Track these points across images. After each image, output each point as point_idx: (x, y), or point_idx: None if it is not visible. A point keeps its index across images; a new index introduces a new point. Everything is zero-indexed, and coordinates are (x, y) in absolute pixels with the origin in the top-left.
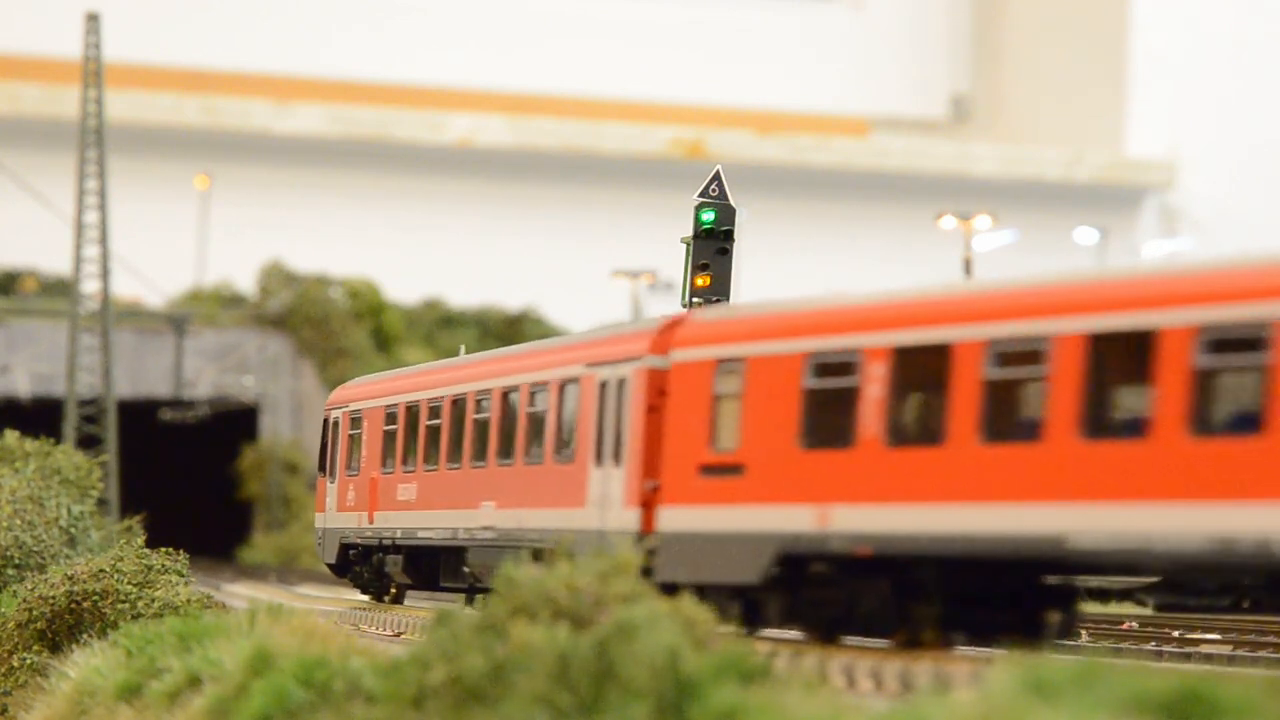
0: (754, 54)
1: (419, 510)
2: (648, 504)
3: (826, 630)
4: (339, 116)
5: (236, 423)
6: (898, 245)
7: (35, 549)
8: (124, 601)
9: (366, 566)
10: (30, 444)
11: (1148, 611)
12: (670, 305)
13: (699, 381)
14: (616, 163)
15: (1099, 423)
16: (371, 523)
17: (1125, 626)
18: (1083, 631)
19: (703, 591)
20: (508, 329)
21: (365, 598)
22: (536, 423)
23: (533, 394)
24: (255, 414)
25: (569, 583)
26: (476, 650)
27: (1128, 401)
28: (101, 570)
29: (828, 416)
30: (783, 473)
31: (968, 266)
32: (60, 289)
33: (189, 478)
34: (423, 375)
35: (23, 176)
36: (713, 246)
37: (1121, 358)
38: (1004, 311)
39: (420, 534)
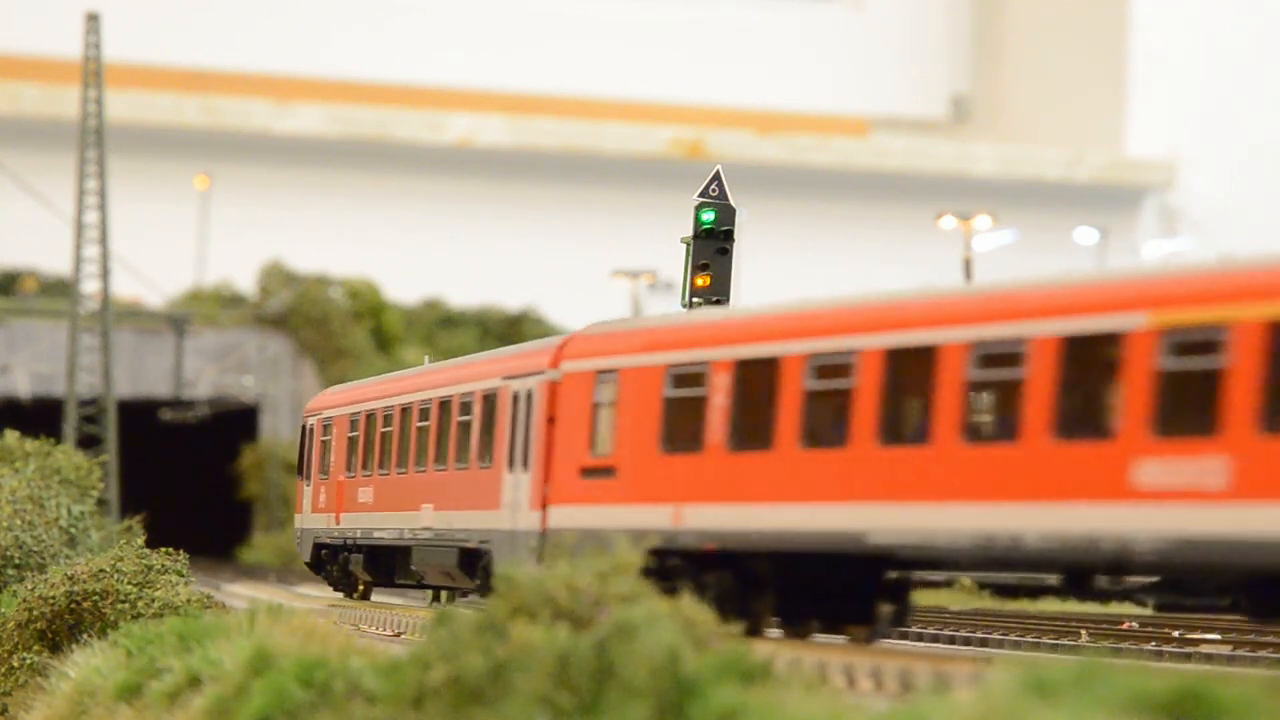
0: (754, 54)
1: (375, 512)
2: (547, 505)
3: None
4: (339, 116)
5: (236, 423)
6: (898, 245)
7: (35, 549)
8: (124, 601)
9: (335, 564)
10: (30, 444)
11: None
12: (671, 305)
13: (581, 391)
14: (616, 163)
15: (893, 430)
16: (338, 523)
17: (1125, 626)
18: (1083, 631)
19: None
20: (508, 329)
21: (339, 594)
22: (465, 431)
23: (462, 404)
24: (255, 414)
25: (569, 583)
26: (476, 650)
27: (916, 411)
28: (101, 570)
29: (683, 423)
30: (646, 475)
31: (968, 266)
32: (60, 289)
33: (189, 478)
34: (381, 385)
35: (23, 176)
36: (713, 246)
37: (912, 371)
38: (821, 329)
39: (376, 534)
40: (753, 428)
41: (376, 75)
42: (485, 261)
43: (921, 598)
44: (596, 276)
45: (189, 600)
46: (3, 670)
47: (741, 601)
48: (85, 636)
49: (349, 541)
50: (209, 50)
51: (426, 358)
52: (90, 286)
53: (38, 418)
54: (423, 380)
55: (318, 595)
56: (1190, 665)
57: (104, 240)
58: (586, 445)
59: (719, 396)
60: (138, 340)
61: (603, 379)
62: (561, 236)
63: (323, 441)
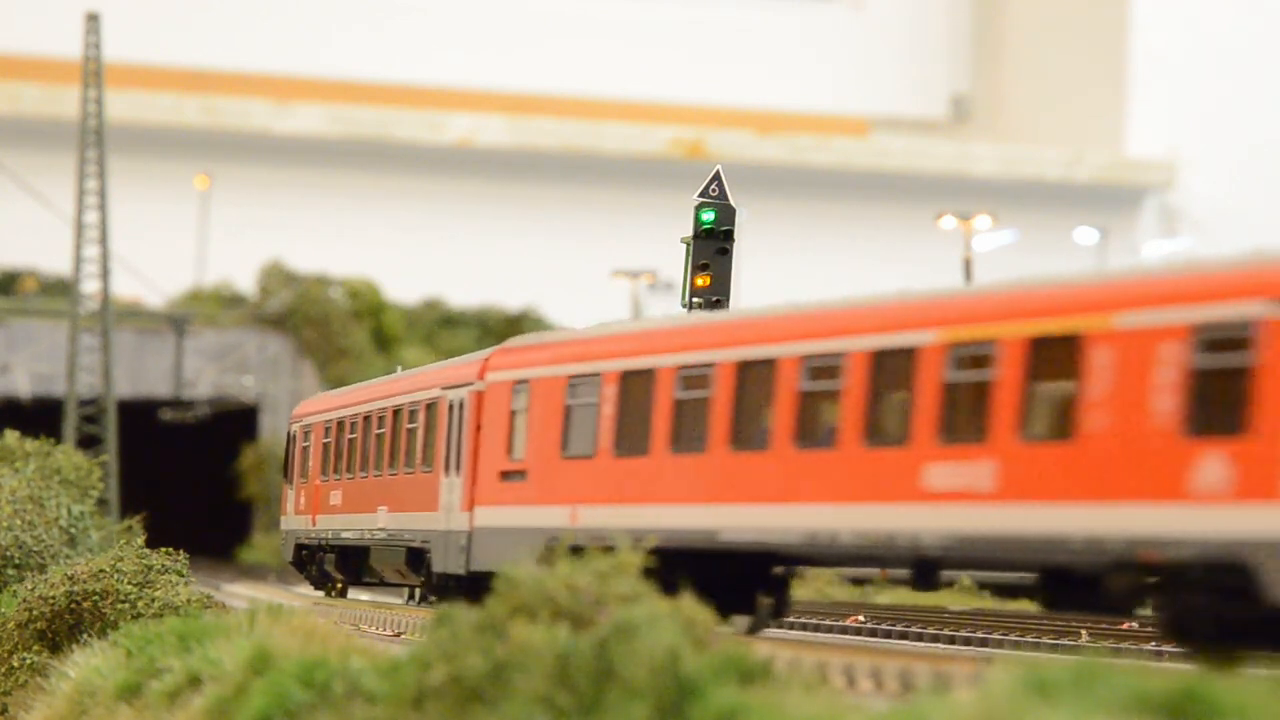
0: (754, 54)
1: (343, 514)
2: (474, 507)
3: None
4: (339, 116)
5: (236, 423)
6: (898, 245)
7: (35, 549)
8: (124, 601)
9: (313, 564)
10: (30, 444)
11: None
12: (671, 305)
13: (502, 401)
14: (616, 163)
15: (741, 437)
16: (314, 525)
17: (1125, 626)
18: (1083, 632)
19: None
20: (508, 329)
21: (319, 592)
22: (412, 438)
23: (410, 413)
24: (255, 414)
25: (569, 583)
26: (476, 650)
27: (759, 420)
28: (101, 570)
29: (580, 431)
30: (550, 478)
31: (968, 266)
32: (60, 289)
33: (189, 478)
34: (349, 394)
35: (23, 176)
36: (713, 246)
37: (757, 383)
38: (688, 345)
39: (343, 535)
40: (634, 435)
41: (376, 75)
42: (485, 261)
43: (922, 598)
44: (596, 276)
45: (189, 600)
46: (3, 670)
47: None
48: (85, 636)
49: (322, 542)
50: (209, 50)
51: (399, 368)
52: (90, 286)
53: (38, 418)
54: (381, 390)
55: (313, 595)
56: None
57: (104, 240)
58: (505, 451)
59: (607, 406)
60: (138, 340)
61: (518, 389)
62: (561, 236)
63: (303, 447)
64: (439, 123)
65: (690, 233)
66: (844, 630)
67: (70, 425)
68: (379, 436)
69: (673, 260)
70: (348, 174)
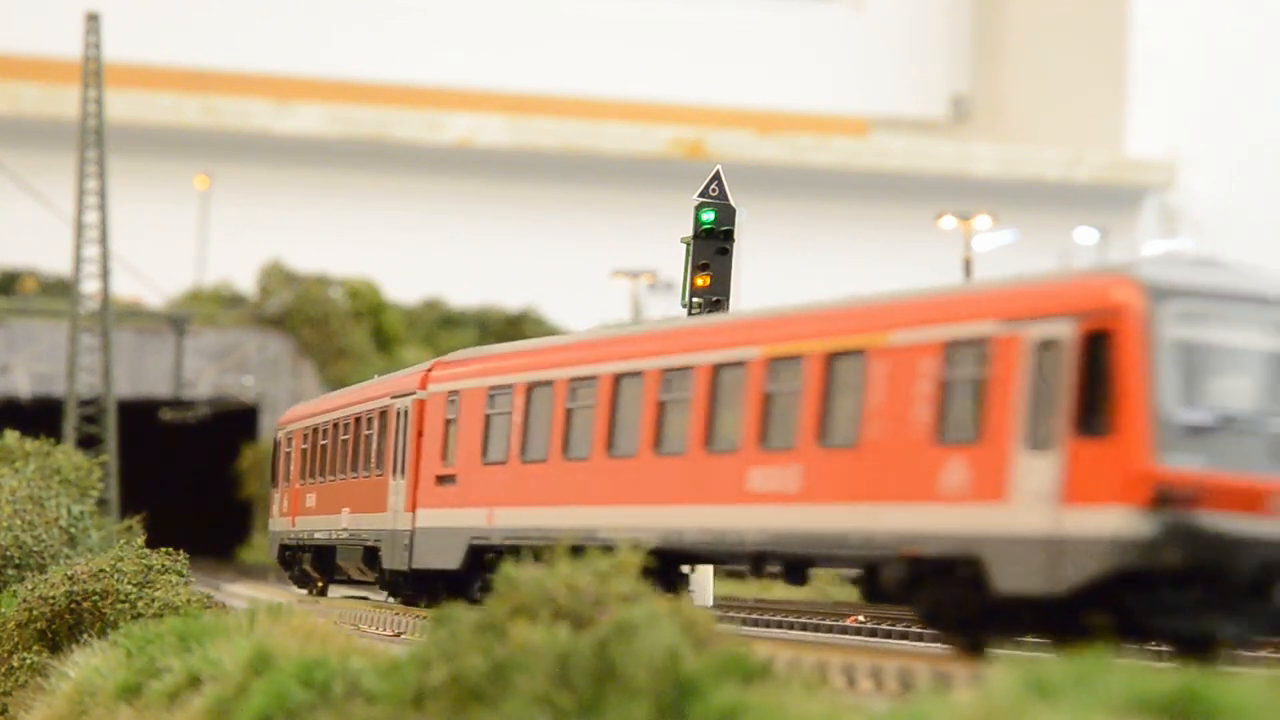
0: (754, 54)
1: (315, 515)
2: (416, 508)
3: None
4: (339, 116)
5: (236, 423)
6: (898, 245)
7: (35, 549)
8: (124, 601)
9: (295, 564)
10: (30, 444)
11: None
12: (671, 305)
13: (439, 410)
14: (616, 163)
15: (614, 445)
16: (294, 526)
17: None
18: None
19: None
20: (508, 329)
21: (303, 590)
22: (368, 443)
23: (368, 420)
24: (255, 414)
25: (569, 583)
26: (476, 650)
27: (629, 428)
28: (101, 570)
29: (496, 438)
30: (474, 482)
31: (968, 266)
32: (60, 289)
33: (189, 478)
34: (324, 402)
35: (23, 176)
36: (713, 246)
37: (628, 395)
38: (579, 359)
39: (315, 535)
40: (536, 443)
41: (376, 75)
42: (485, 261)
43: None
44: (596, 276)
45: (189, 600)
46: (3, 670)
47: None
48: (85, 636)
49: (300, 542)
50: (209, 50)
51: (376, 375)
52: (90, 286)
53: (38, 418)
54: (348, 398)
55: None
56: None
57: (104, 240)
58: (440, 456)
59: (517, 415)
60: (138, 340)
61: (451, 399)
62: (561, 236)
63: (285, 453)
64: (439, 123)
65: (690, 233)
66: (844, 630)
67: (70, 425)
68: (344, 442)
69: (673, 260)
70: (348, 174)
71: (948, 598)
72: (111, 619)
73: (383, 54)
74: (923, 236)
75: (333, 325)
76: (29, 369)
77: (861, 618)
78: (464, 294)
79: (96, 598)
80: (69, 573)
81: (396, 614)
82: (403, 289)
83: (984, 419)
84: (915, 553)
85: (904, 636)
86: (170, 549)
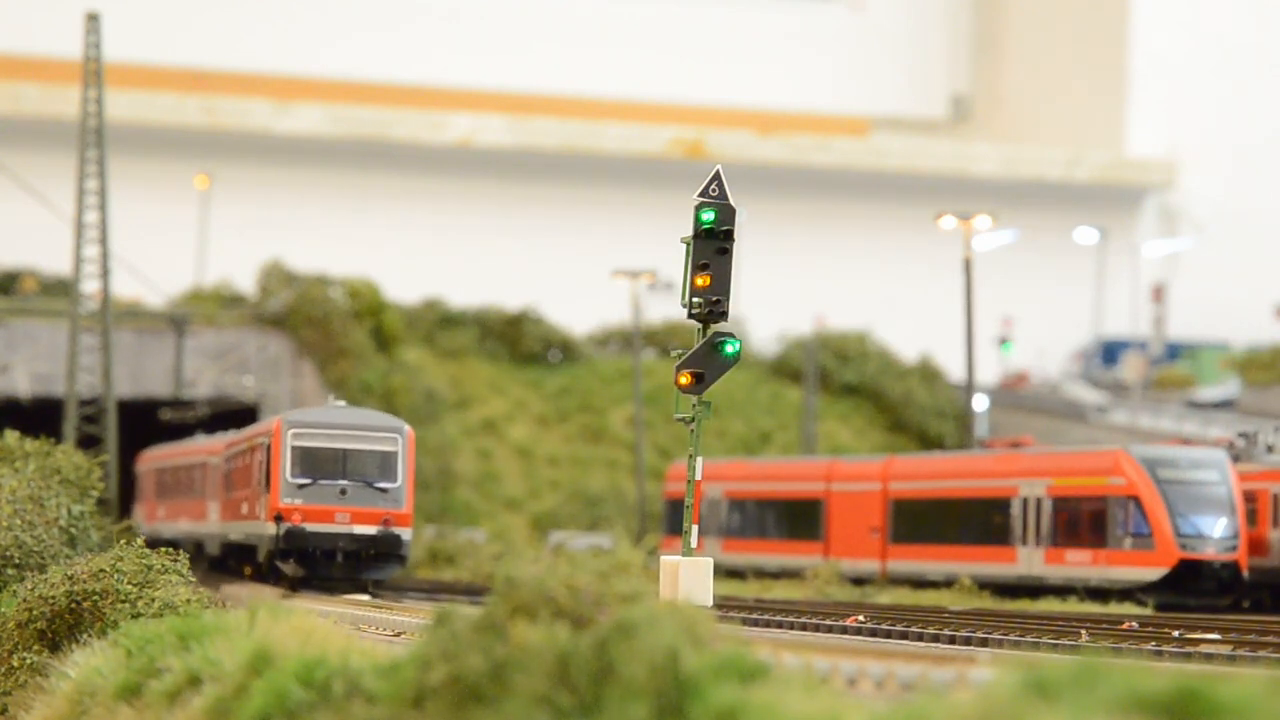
0: (754, 54)
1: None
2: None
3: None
4: (339, 116)
5: (236, 423)
6: (898, 245)
7: (35, 549)
8: (124, 601)
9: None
10: (30, 444)
11: (1148, 611)
12: (671, 305)
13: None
14: (616, 163)
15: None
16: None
17: (1125, 626)
18: (1083, 631)
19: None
20: (508, 329)
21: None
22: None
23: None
24: (255, 414)
25: (569, 582)
26: (476, 650)
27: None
28: (101, 570)
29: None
30: None
31: (968, 266)
32: (60, 289)
33: None
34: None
35: (23, 176)
36: (713, 246)
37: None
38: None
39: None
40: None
41: (376, 75)
42: (485, 261)
43: (922, 597)
44: (596, 276)
45: (189, 600)
46: (3, 670)
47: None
48: (85, 636)
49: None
50: (209, 50)
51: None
52: (90, 286)
53: (38, 418)
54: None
55: (317, 595)
56: (1190, 665)
57: (104, 240)
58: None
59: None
60: (138, 340)
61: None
62: (561, 236)
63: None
64: (439, 123)
65: (690, 233)
66: (844, 630)
67: (70, 425)
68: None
69: (673, 260)
70: (348, 174)
71: None
72: (111, 619)
73: (383, 54)
74: (923, 236)
75: (333, 325)
76: (29, 369)
77: (861, 618)
78: (464, 294)
79: (96, 597)
80: (69, 573)
81: (396, 614)
82: (403, 289)
83: None
84: None
85: (904, 636)
86: (170, 549)
